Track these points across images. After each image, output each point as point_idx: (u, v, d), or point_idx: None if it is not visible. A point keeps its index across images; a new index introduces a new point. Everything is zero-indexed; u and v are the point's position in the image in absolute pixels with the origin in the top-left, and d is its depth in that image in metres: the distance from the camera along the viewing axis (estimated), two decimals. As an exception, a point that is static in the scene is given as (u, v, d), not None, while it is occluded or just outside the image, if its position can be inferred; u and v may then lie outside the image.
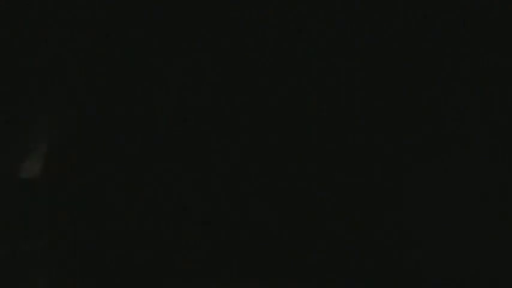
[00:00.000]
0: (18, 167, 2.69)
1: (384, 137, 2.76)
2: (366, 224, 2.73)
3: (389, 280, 2.70)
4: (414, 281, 2.70)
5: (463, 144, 2.72)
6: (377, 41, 2.78)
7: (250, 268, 2.72)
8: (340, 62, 2.78)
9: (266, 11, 2.79)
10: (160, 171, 2.74)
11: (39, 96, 2.73)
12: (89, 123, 2.74)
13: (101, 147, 2.73)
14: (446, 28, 2.76)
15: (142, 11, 2.78)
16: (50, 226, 2.68)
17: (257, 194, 2.75)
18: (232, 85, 2.78)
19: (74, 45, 2.76)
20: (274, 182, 2.75)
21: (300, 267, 2.72)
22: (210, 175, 2.75)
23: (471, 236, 2.68)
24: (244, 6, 2.79)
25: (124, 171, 2.73)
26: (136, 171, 2.74)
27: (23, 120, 2.73)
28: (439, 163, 2.72)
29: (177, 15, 2.78)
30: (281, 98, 2.78)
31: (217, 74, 2.79)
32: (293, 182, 2.75)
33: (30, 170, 2.69)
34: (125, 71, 2.77)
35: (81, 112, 2.74)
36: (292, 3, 2.79)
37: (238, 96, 2.78)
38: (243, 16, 2.79)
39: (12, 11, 2.74)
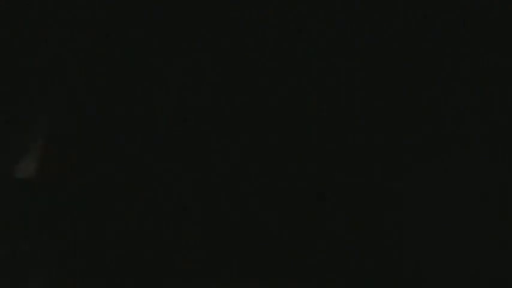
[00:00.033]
0: (17, 167, 2.70)
1: (384, 137, 2.76)
2: (366, 224, 2.73)
3: (389, 280, 2.70)
4: (414, 281, 2.70)
5: (463, 144, 2.72)
6: (377, 41, 2.78)
7: (250, 268, 2.72)
8: (340, 62, 2.78)
9: (266, 11, 2.79)
10: (160, 171, 2.74)
11: (39, 96, 2.74)
12: (89, 123, 2.74)
13: (101, 147, 2.74)
14: (446, 28, 2.76)
15: (142, 11, 2.78)
16: (49, 226, 2.68)
17: (257, 194, 2.75)
18: (232, 85, 2.78)
19: (74, 45, 2.76)
20: (274, 182, 2.75)
21: (300, 267, 2.72)
22: (210, 175, 2.75)
23: (471, 236, 2.68)
24: (244, 6, 2.79)
25: (124, 171, 2.73)
26: (136, 171, 2.74)
27: (23, 120, 2.73)
28: (439, 163, 2.73)
29: (177, 15, 2.78)
30: (281, 98, 2.78)
31: (217, 74, 2.79)
32: (293, 182, 2.75)
33: (27, 170, 2.69)
34: (125, 71, 2.77)
35: (81, 112, 2.74)
36: (292, 3, 2.79)
37: (238, 96, 2.78)
38: (243, 16, 2.79)
39: (12, 11, 2.75)
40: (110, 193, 2.72)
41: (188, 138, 2.77)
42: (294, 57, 2.79)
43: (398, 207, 2.73)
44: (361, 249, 2.72)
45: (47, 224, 2.69)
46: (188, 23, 2.79)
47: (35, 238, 2.68)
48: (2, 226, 2.69)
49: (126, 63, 2.77)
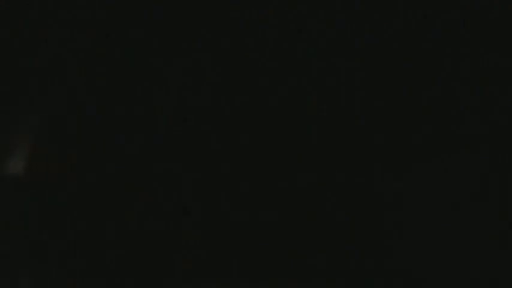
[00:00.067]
0: (5, 165, 2.69)
1: (383, 137, 2.76)
2: (365, 224, 2.73)
3: (389, 280, 2.70)
4: (414, 281, 2.70)
5: (463, 144, 2.72)
6: (377, 41, 2.78)
7: (250, 268, 2.72)
8: (340, 62, 2.78)
9: (266, 11, 2.79)
10: (160, 171, 2.74)
11: (39, 96, 2.74)
12: (89, 123, 2.74)
13: (101, 147, 2.73)
14: (446, 28, 2.76)
15: (143, 11, 2.78)
16: (49, 226, 2.68)
17: (257, 194, 2.75)
18: (232, 85, 2.78)
19: (74, 45, 2.76)
20: (274, 182, 2.75)
21: (300, 267, 2.72)
22: (210, 175, 2.75)
23: (471, 236, 2.68)
24: (244, 6, 2.79)
25: (124, 171, 2.73)
26: (136, 171, 2.74)
27: (23, 120, 2.73)
28: (439, 163, 2.72)
29: (177, 15, 2.78)
30: (281, 98, 2.78)
31: (217, 74, 2.79)
32: (293, 182, 2.75)
33: (15, 168, 2.68)
34: (124, 71, 2.77)
35: (81, 112, 2.74)
36: (292, 3, 2.79)
37: (238, 96, 2.78)
38: (243, 16, 2.79)
39: (12, 11, 2.74)
40: (109, 193, 2.72)
41: (188, 138, 2.77)
42: (294, 57, 2.78)
43: (398, 207, 2.73)
44: (361, 249, 2.72)
45: (46, 223, 2.69)
46: (188, 23, 2.79)
47: (34, 238, 2.68)
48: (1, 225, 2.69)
49: (126, 63, 2.77)
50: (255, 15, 2.79)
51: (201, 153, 2.76)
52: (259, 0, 2.79)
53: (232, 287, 2.71)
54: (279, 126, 2.77)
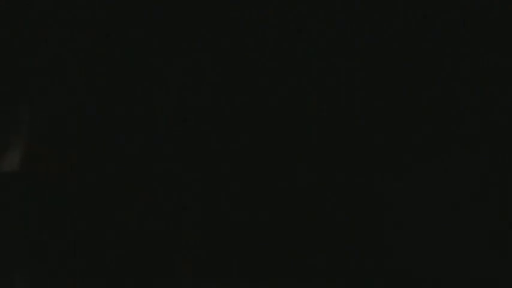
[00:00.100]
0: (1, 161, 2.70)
1: (383, 137, 2.76)
2: (365, 224, 2.73)
3: (389, 280, 2.70)
4: (414, 281, 2.70)
5: (463, 144, 2.72)
6: (377, 41, 2.78)
7: (250, 268, 2.72)
8: (340, 62, 2.78)
9: (266, 11, 2.79)
10: (160, 171, 2.74)
11: (39, 96, 2.74)
12: (89, 123, 2.74)
13: (101, 147, 2.73)
14: (446, 28, 2.76)
15: (143, 11, 2.78)
16: (49, 226, 2.68)
17: (257, 194, 2.75)
18: (232, 85, 2.78)
19: (74, 45, 2.76)
20: (274, 182, 2.75)
21: (300, 267, 2.72)
22: (210, 175, 2.75)
23: (470, 236, 2.68)
24: (244, 6, 2.79)
25: (124, 172, 2.73)
26: (136, 171, 2.74)
27: (23, 120, 2.73)
28: (438, 163, 2.72)
29: (177, 16, 2.78)
30: (281, 98, 2.78)
31: (217, 74, 2.79)
32: (293, 182, 2.75)
33: (11, 164, 2.69)
34: (125, 71, 2.77)
35: (81, 112, 2.74)
36: (292, 3, 2.79)
37: (238, 96, 2.78)
38: (243, 16, 2.79)
39: (12, 11, 2.75)
40: (109, 193, 2.72)
41: (188, 138, 2.77)
42: (294, 57, 2.78)
43: (398, 207, 2.73)
44: (361, 249, 2.72)
45: (46, 223, 2.69)
46: (188, 23, 2.79)
47: (34, 238, 2.68)
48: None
49: (126, 63, 2.77)
50: (255, 15, 2.79)
51: (201, 153, 2.76)
52: (259, 0, 2.79)
53: (232, 287, 2.71)
54: (279, 126, 2.77)
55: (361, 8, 2.78)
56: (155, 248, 2.71)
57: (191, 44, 2.78)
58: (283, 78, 2.78)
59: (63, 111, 2.74)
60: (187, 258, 2.72)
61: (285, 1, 2.79)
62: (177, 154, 2.75)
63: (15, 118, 2.75)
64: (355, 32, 2.78)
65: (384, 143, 2.76)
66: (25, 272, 2.66)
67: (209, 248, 2.72)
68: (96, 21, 2.77)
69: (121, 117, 2.75)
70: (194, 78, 2.78)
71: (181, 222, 2.73)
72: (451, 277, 2.67)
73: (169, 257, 2.71)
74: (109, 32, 2.77)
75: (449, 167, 2.71)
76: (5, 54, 2.74)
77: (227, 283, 2.71)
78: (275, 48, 2.79)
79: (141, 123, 2.76)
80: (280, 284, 2.71)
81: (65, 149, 2.72)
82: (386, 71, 2.77)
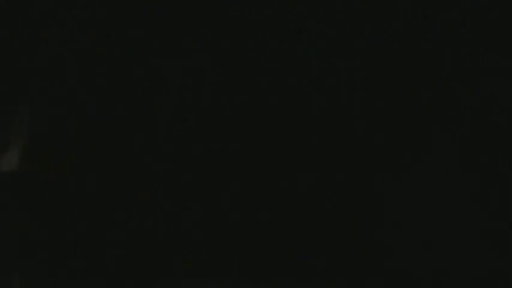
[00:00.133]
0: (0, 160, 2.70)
1: (384, 137, 2.76)
2: (365, 224, 2.73)
3: (388, 280, 2.70)
4: (414, 281, 2.70)
5: (462, 144, 2.72)
6: (377, 41, 2.78)
7: (250, 268, 2.72)
8: (340, 62, 2.78)
9: (266, 11, 2.79)
10: (160, 171, 2.74)
11: (39, 96, 2.74)
12: (89, 123, 2.74)
13: (101, 147, 2.73)
14: (446, 28, 2.76)
15: (142, 11, 2.78)
16: (49, 226, 2.68)
17: (257, 194, 2.75)
18: (232, 85, 2.78)
19: (74, 45, 2.76)
20: (274, 182, 2.75)
21: (300, 267, 2.72)
22: (210, 175, 2.75)
23: (470, 235, 2.68)
24: (244, 6, 2.79)
25: (124, 172, 2.73)
26: (136, 171, 2.74)
27: (23, 120, 2.73)
28: (438, 163, 2.72)
29: (177, 15, 2.78)
30: (281, 98, 2.78)
31: (217, 74, 2.79)
32: (293, 182, 2.75)
33: (9, 163, 2.69)
34: (125, 71, 2.77)
35: (81, 112, 2.74)
36: (292, 3, 2.79)
37: (238, 96, 2.78)
38: (243, 16, 2.79)
39: (12, 11, 2.75)
40: (109, 193, 2.72)
41: (188, 138, 2.77)
42: (294, 57, 2.79)
43: (398, 207, 2.73)
44: (361, 249, 2.72)
45: (46, 223, 2.69)
46: (188, 23, 2.79)
47: (34, 238, 2.68)
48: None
49: (126, 63, 2.77)
50: (255, 15, 2.79)
51: (201, 153, 2.76)
52: (259, 0, 2.79)
53: (232, 287, 2.71)
54: (279, 126, 2.77)
55: (361, 8, 2.78)
56: (155, 248, 2.71)
57: (191, 44, 2.78)
58: (283, 78, 2.78)
59: (63, 111, 2.74)
60: (188, 258, 2.72)
61: (285, 1, 2.79)
62: (177, 154, 2.75)
63: (15, 118, 2.75)
64: (355, 32, 2.78)
65: (383, 143, 2.76)
66: (24, 272, 2.65)
67: (209, 248, 2.72)
68: (96, 21, 2.77)
69: (121, 117, 2.75)
70: (194, 78, 2.78)
71: (181, 222, 2.73)
72: (451, 277, 2.67)
73: (170, 257, 2.71)
74: (109, 32, 2.77)
75: (449, 167, 2.71)
76: (5, 54, 2.75)
77: (227, 283, 2.71)
78: (275, 48, 2.79)
79: (141, 123, 2.76)
80: (280, 284, 2.71)
81: (65, 149, 2.72)
82: (386, 71, 2.77)
